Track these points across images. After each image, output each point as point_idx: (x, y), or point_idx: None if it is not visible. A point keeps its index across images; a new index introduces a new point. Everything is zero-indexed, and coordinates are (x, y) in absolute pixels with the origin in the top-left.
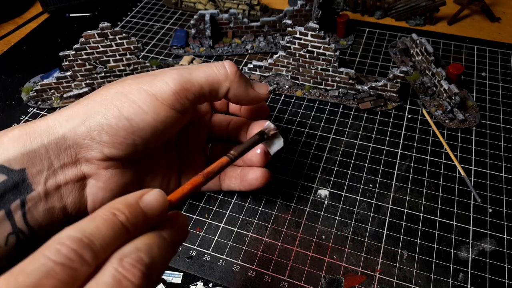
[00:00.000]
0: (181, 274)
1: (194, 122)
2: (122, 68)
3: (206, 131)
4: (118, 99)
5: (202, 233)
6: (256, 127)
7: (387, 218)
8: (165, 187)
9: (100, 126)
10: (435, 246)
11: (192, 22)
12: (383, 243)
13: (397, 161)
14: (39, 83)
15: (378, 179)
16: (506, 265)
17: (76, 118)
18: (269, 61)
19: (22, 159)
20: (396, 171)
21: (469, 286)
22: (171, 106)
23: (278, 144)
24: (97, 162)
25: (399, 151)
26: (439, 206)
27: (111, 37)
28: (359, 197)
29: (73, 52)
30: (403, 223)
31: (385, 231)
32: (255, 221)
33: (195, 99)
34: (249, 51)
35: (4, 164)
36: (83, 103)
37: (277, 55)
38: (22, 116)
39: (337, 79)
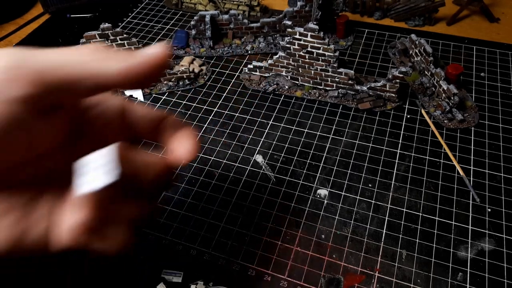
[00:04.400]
0: (182, 273)
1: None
2: None
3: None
4: None
5: (202, 233)
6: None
7: (386, 218)
8: (19, 232)
9: None
10: (434, 245)
11: (192, 23)
12: (382, 243)
13: (396, 161)
14: None
15: (378, 179)
16: (505, 265)
17: None
18: (269, 61)
19: None
20: (395, 171)
21: (468, 286)
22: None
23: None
24: None
25: (398, 151)
26: (438, 205)
27: (112, 37)
28: (358, 197)
29: None
30: (402, 222)
31: (384, 231)
32: (255, 220)
33: (39, 84)
34: (249, 52)
35: None
36: None
37: (277, 56)
38: None
39: (337, 79)
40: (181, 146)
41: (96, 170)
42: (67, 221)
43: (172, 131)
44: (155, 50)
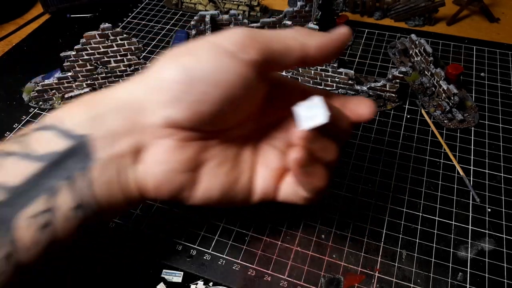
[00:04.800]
0: (182, 273)
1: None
2: (123, 68)
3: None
4: (178, 52)
5: (202, 233)
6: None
7: (386, 218)
8: (233, 180)
9: (159, 82)
10: (434, 245)
11: (192, 23)
12: (382, 243)
13: (396, 161)
14: (40, 83)
15: (377, 179)
16: (505, 265)
17: (139, 81)
18: None
19: (87, 124)
20: (395, 171)
21: (468, 286)
22: (233, 53)
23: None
24: (157, 129)
25: (398, 151)
26: (438, 205)
27: (112, 38)
28: (358, 197)
29: (74, 53)
30: (402, 222)
31: (384, 231)
32: (255, 221)
33: (263, 52)
34: None
35: (71, 129)
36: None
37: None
38: (24, 117)
39: (337, 79)
40: (360, 107)
41: (312, 112)
42: (273, 163)
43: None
44: (342, 30)
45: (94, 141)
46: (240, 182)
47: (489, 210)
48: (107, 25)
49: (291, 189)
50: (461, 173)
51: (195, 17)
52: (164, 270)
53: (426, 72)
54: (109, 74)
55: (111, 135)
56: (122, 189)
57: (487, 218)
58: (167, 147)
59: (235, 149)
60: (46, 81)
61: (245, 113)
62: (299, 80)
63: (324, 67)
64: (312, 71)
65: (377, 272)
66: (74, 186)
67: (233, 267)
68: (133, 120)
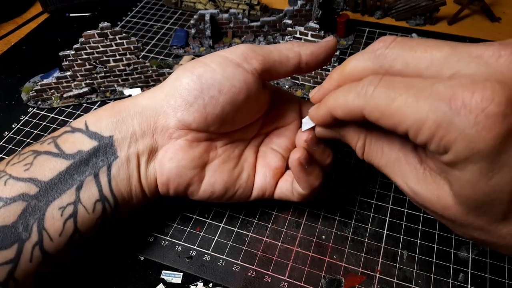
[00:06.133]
0: (181, 274)
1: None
2: (122, 68)
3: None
4: (193, 64)
5: (202, 233)
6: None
7: (387, 218)
8: (235, 177)
9: (175, 89)
10: (435, 246)
11: (192, 22)
12: (383, 243)
13: None
14: (39, 83)
15: (378, 179)
16: (506, 265)
17: (157, 89)
18: None
19: (111, 127)
20: None
21: (469, 286)
22: (238, 64)
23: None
24: (170, 131)
25: None
26: None
27: (111, 37)
28: (359, 197)
29: (73, 52)
30: (403, 223)
31: (385, 231)
32: (255, 221)
33: (264, 62)
34: None
35: (97, 131)
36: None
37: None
38: (22, 116)
39: None
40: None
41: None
42: (272, 163)
43: None
44: (329, 39)
45: (116, 142)
46: (241, 179)
47: None
48: (106, 24)
49: (288, 187)
50: None
51: (195, 16)
52: (163, 271)
53: None
54: (108, 74)
55: (131, 136)
56: (137, 185)
57: None
58: (178, 146)
59: (239, 150)
60: (45, 81)
61: (247, 117)
62: (299, 79)
63: (324, 66)
64: (313, 71)
65: (378, 273)
66: (98, 181)
67: (233, 268)
68: (151, 123)
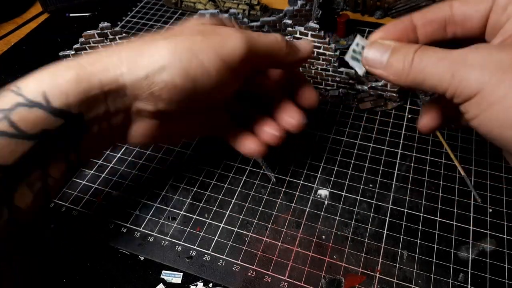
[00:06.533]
0: (181, 274)
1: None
2: None
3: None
4: (187, 58)
5: (202, 233)
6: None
7: (387, 218)
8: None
9: (164, 83)
10: (435, 246)
11: None
12: (383, 243)
13: (397, 161)
14: None
15: (378, 179)
16: (506, 265)
17: (139, 69)
18: None
19: (81, 104)
20: (396, 171)
21: (469, 286)
22: (236, 72)
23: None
24: (146, 113)
25: (399, 151)
26: (439, 206)
27: (111, 37)
28: (359, 197)
29: (73, 52)
30: (403, 223)
31: (385, 231)
32: (255, 221)
33: (259, 64)
34: None
35: (64, 108)
36: (147, 51)
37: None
38: None
39: (337, 79)
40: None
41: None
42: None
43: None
44: (307, 43)
45: (89, 119)
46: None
47: (490, 210)
48: (106, 24)
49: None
50: (462, 173)
51: (195, 16)
52: (163, 271)
53: None
54: None
55: (104, 114)
56: (110, 144)
57: (488, 219)
58: (150, 124)
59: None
60: None
61: (229, 93)
62: None
63: (324, 67)
64: (313, 71)
65: (378, 273)
66: (67, 158)
67: (233, 268)
68: (131, 103)
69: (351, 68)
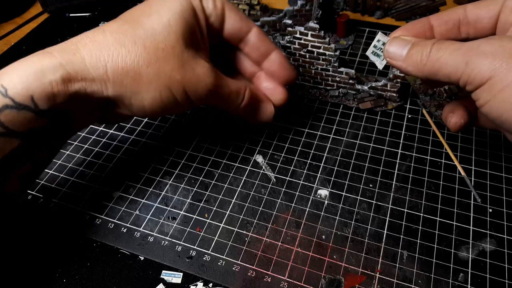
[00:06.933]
0: (181, 274)
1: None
2: None
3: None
4: (166, 95)
5: (202, 233)
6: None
7: (387, 218)
8: None
9: (138, 107)
10: (435, 246)
11: None
12: (383, 243)
13: (397, 161)
14: None
15: (378, 179)
16: (506, 265)
17: (123, 89)
18: None
19: (67, 102)
20: (396, 171)
21: (469, 286)
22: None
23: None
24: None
25: (399, 151)
26: (439, 206)
27: None
28: (359, 197)
29: None
30: (403, 223)
31: (385, 231)
32: (255, 221)
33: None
34: None
35: (51, 108)
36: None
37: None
38: None
39: (337, 79)
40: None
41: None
42: None
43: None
44: (270, 110)
45: (73, 115)
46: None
47: (490, 210)
48: None
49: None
50: (462, 173)
51: None
52: (163, 271)
53: None
54: None
55: (90, 108)
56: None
57: (488, 219)
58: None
59: None
60: None
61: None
62: (299, 79)
63: (324, 67)
64: (313, 71)
65: (377, 273)
66: (53, 151)
67: (233, 268)
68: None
69: (352, 68)
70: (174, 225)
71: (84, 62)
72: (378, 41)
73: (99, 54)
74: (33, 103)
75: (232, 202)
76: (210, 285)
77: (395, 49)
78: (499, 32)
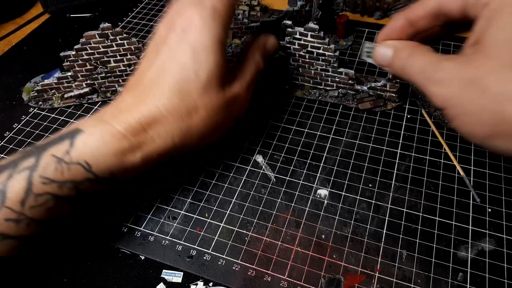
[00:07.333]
0: (182, 273)
1: None
2: (123, 68)
3: None
4: (181, 141)
5: (202, 233)
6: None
7: (387, 218)
8: None
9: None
10: (435, 245)
11: None
12: (382, 243)
13: (397, 161)
14: (40, 83)
15: (378, 179)
16: (505, 265)
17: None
18: None
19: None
20: (395, 171)
21: (468, 286)
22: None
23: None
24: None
25: (399, 151)
26: (438, 205)
27: (111, 37)
28: (358, 197)
29: (73, 53)
30: (403, 222)
31: (384, 231)
32: (255, 220)
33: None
34: None
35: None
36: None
37: (277, 56)
38: (23, 117)
39: (337, 79)
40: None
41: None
42: None
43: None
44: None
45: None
46: None
47: (490, 210)
48: (107, 24)
49: None
50: (462, 173)
51: None
52: (164, 270)
53: None
54: (109, 74)
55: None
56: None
57: (487, 218)
58: None
59: None
60: (46, 81)
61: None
62: (299, 80)
63: (324, 67)
64: (313, 71)
65: (377, 272)
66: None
67: (233, 267)
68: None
69: (351, 68)
70: (175, 224)
71: (155, 142)
72: (368, 47)
73: (165, 130)
74: (112, 175)
75: (232, 202)
76: (210, 284)
77: (381, 56)
78: (470, 15)
